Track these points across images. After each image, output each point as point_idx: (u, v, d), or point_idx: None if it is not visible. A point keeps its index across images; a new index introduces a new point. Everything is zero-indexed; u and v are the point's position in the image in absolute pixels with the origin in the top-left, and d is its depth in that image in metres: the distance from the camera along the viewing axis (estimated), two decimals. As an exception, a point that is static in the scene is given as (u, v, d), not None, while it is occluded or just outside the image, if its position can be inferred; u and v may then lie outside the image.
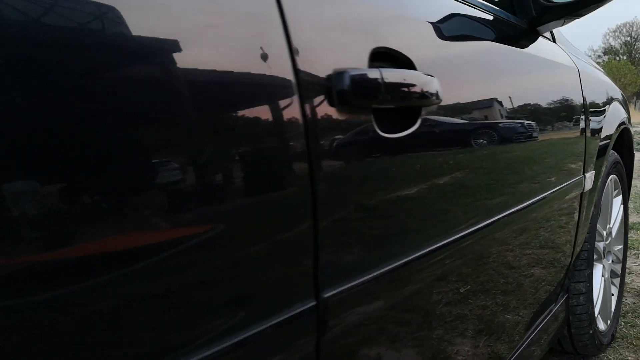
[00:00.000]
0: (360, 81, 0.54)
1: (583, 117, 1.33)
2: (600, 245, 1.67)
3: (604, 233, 1.71)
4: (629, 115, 1.87)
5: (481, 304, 0.88)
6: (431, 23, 0.76)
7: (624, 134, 1.76)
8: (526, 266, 1.09)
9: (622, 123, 1.71)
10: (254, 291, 0.45)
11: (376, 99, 0.57)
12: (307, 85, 0.49)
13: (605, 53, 59.54)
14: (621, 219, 1.87)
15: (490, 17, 1.01)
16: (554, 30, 1.33)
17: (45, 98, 0.31)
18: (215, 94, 0.42)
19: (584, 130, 1.34)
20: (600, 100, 1.54)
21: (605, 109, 1.56)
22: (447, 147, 0.74)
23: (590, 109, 1.39)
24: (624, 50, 59.40)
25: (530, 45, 1.14)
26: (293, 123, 0.48)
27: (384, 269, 0.58)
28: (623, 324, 1.89)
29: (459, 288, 0.80)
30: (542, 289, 1.21)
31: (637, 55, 58.09)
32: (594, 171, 1.41)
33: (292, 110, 0.48)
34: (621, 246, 1.90)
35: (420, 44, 0.72)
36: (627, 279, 2.23)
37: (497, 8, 1.09)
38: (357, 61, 0.56)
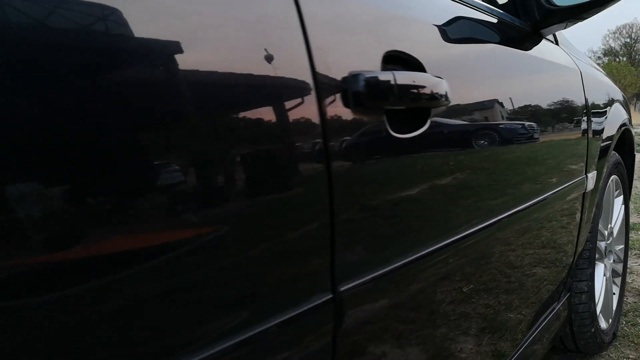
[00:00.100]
0: (375, 83, 0.56)
1: (585, 118, 1.35)
2: (601, 244, 1.69)
3: (606, 232, 1.73)
4: (630, 116, 1.89)
5: (485, 302, 0.90)
6: (439, 26, 0.78)
7: (625, 135, 1.78)
8: (536, 264, 1.11)
9: (624, 124, 1.73)
10: (276, 285, 0.47)
11: (389, 100, 0.59)
12: (325, 88, 0.51)
13: (605, 54, 59.58)
14: (622, 219, 1.89)
15: (495, 20, 1.03)
16: (557, 33, 1.35)
17: (48, 99, 0.32)
18: (239, 95, 0.44)
19: (586, 131, 1.36)
20: (602, 101, 1.56)
21: (606, 110, 1.58)
22: (455, 148, 0.76)
23: (592, 110, 1.41)
24: (624, 52, 59.44)
25: (534, 48, 1.16)
26: (311, 123, 0.50)
27: (396, 264, 0.61)
28: (624, 322, 1.91)
29: (465, 285, 0.82)
30: (544, 288, 1.23)
31: (637, 57, 58.12)
32: (595, 171, 1.44)
33: (310, 111, 0.50)
34: (622, 246, 1.92)
35: (429, 46, 0.75)
36: (628, 279, 2.25)
37: (502, 11, 1.11)
38: (371, 64, 0.58)
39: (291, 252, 0.49)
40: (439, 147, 0.71)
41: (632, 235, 2.92)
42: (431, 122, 0.66)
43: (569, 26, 1.19)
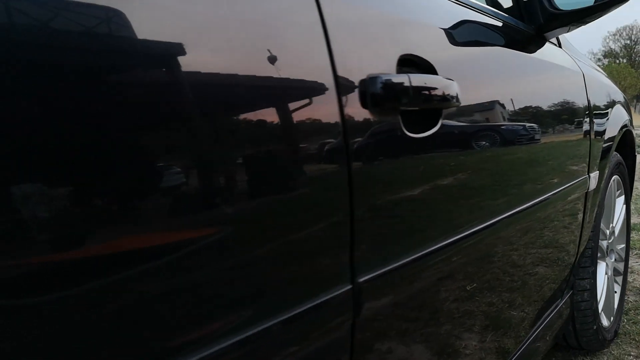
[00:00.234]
0: (391, 85, 0.59)
1: (588, 119, 1.38)
2: (603, 243, 1.72)
3: (607, 232, 1.76)
4: (631, 117, 1.93)
5: (490, 299, 0.93)
6: (448, 30, 0.81)
7: (626, 136, 1.82)
8: (547, 259, 1.14)
9: (625, 125, 1.77)
10: (299, 276, 0.50)
11: (404, 102, 0.62)
12: (345, 89, 0.54)
13: (605, 56, 59.64)
14: (624, 219, 1.92)
15: (500, 24, 1.06)
16: (560, 36, 1.38)
17: (49, 100, 0.32)
18: (269, 96, 0.47)
19: (588, 132, 1.39)
20: (603, 103, 1.60)
21: (608, 112, 1.61)
22: (464, 147, 0.79)
23: (595, 112, 1.44)
24: (624, 54, 59.50)
25: (538, 51, 1.19)
26: (333, 123, 0.53)
27: (410, 258, 0.64)
28: (626, 320, 1.94)
29: (475, 280, 0.85)
30: (547, 287, 1.26)
31: (637, 59, 58.17)
32: (598, 171, 1.47)
33: (331, 111, 0.53)
34: (623, 245, 1.95)
35: (439, 49, 0.78)
36: (629, 278, 2.28)
37: (507, 15, 1.14)
38: (386, 67, 0.61)
39: (313, 245, 0.51)
40: (449, 147, 0.74)
41: (633, 235, 2.95)
42: (442, 122, 0.69)
43: (572, 30, 1.22)
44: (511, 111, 0.96)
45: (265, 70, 0.47)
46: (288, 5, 0.53)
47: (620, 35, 59.69)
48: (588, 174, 1.39)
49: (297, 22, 0.52)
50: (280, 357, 0.48)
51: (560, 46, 1.40)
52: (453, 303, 0.79)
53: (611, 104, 1.67)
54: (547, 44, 1.26)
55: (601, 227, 1.64)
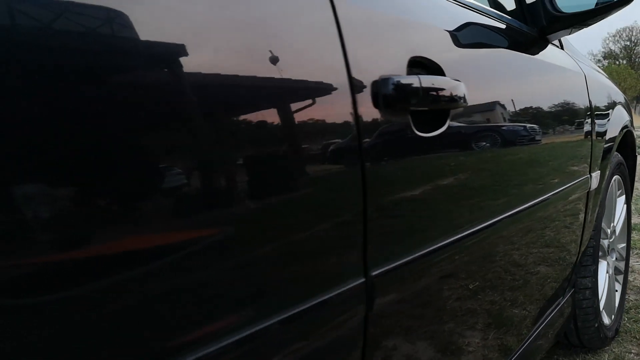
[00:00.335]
0: (403, 86, 0.61)
1: (589, 120, 1.41)
2: (604, 242, 1.74)
3: (608, 231, 1.78)
4: (632, 118, 1.95)
5: (495, 297, 0.95)
6: (454, 32, 0.83)
7: (627, 137, 1.84)
8: (547, 258, 1.16)
9: (626, 126, 1.79)
10: (315, 269, 0.52)
11: (414, 102, 0.64)
12: (359, 91, 0.57)
13: (605, 57, 59.70)
14: (624, 218, 1.95)
15: (504, 26, 1.09)
16: (562, 38, 1.41)
17: (50, 101, 0.32)
18: (288, 97, 0.50)
19: (590, 133, 1.41)
20: (605, 104, 1.62)
21: (609, 113, 1.64)
22: (471, 146, 0.81)
23: (596, 113, 1.47)
24: (624, 55, 59.56)
25: (541, 52, 1.21)
26: (347, 123, 0.55)
27: (420, 252, 0.66)
28: (627, 319, 1.96)
29: (484, 276, 0.87)
30: (548, 286, 1.28)
31: (636, 60, 58.23)
32: (599, 171, 1.49)
33: (346, 111, 0.55)
34: (624, 244, 1.97)
35: (446, 51, 0.80)
36: (630, 277, 2.30)
37: (510, 17, 1.17)
38: (397, 68, 0.64)
39: (328, 240, 0.54)
40: (457, 146, 0.77)
41: (634, 235, 2.97)
42: (450, 122, 0.72)
43: (574, 32, 1.25)
44: (516, 112, 0.98)
45: (286, 71, 0.49)
46: (305, 9, 0.55)
47: (620, 37, 59.79)
48: (590, 173, 1.41)
49: (314, 25, 0.54)
50: (300, 346, 0.50)
51: (562, 48, 1.43)
52: (457, 301, 0.81)
53: (612, 105, 1.69)
54: (550, 46, 1.28)
55: (602, 226, 1.66)
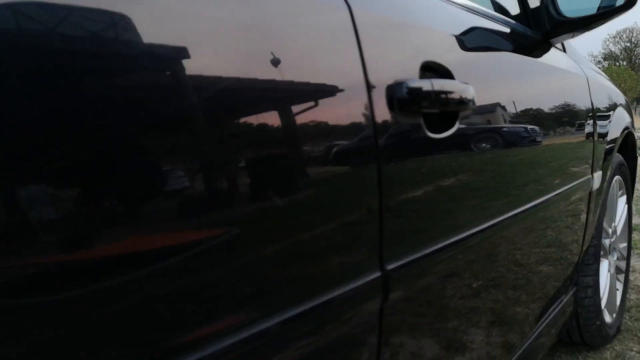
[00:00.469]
0: (416, 90, 0.64)
1: (591, 121, 1.44)
2: (606, 242, 1.77)
3: (610, 230, 1.81)
4: (632, 119, 1.98)
5: (500, 295, 0.98)
6: (463, 37, 0.87)
7: (628, 138, 1.87)
8: (566, 243, 1.19)
9: (626, 127, 1.82)
10: (333, 263, 0.55)
11: (427, 105, 0.67)
12: (375, 94, 0.60)
13: (605, 59, 59.75)
14: (625, 218, 1.98)
15: (509, 30, 1.12)
16: (565, 42, 1.44)
17: (55, 103, 0.32)
18: (311, 100, 0.53)
19: (592, 134, 1.45)
20: (606, 106, 1.65)
21: (610, 114, 1.67)
22: (479, 147, 0.84)
23: (598, 114, 1.50)
24: (624, 56, 59.60)
25: (544, 55, 1.25)
26: (365, 124, 0.59)
27: (432, 248, 0.69)
28: (628, 317, 1.99)
29: (494, 271, 0.90)
30: (550, 285, 1.31)
31: (637, 61, 58.27)
32: (601, 172, 1.52)
33: (364, 113, 0.59)
34: (625, 244, 2.00)
35: (455, 55, 0.83)
36: (631, 277, 2.33)
37: (515, 22, 1.20)
38: (410, 73, 0.67)
39: (347, 235, 0.57)
40: (465, 146, 0.80)
41: (634, 235, 3.00)
42: (459, 123, 0.75)
43: (577, 36, 1.28)
44: (521, 113, 1.02)
45: (308, 75, 0.53)
46: (325, 14, 0.58)
47: (620, 38, 59.87)
48: (592, 174, 1.44)
49: (334, 29, 0.57)
50: (324, 332, 0.53)
51: (565, 51, 1.46)
52: (462, 298, 0.83)
53: (613, 107, 1.72)
54: (553, 49, 1.32)
55: (604, 226, 1.69)
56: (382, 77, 0.62)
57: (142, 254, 0.37)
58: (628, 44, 59.51)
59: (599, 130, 1.50)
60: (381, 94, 0.61)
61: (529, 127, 1.06)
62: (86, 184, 0.34)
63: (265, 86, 0.48)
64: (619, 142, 1.72)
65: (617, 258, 1.92)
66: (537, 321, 1.25)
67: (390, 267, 0.62)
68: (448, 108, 0.74)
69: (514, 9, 1.28)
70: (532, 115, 1.08)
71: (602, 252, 1.69)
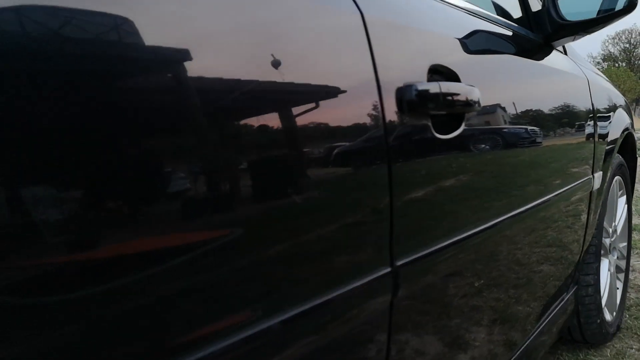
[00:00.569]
0: (424, 92, 0.67)
1: (592, 123, 1.47)
2: (606, 241, 1.79)
3: (610, 230, 1.83)
4: (632, 120, 2.01)
5: (512, 292, 1.00)
6: (467, 40, 0.89)
7: (627, 139, 1.90)
8: (569, 242, 1.22)
9: (626, 128, 1.84)
10: (346, 260, 0.58)
11: (434, 106, 0.70)
12: (386, 96, 0.62)
13: (604, 60, 59.81)
14: (625, 218, 2.00)
15: (511, 33, 1.14)
16: (566, 44, 1.46)
17: (57, 104, 0.33)
18: (324, 101, 0.55)
19: (592, 135, 1.47)
20: (606, 107, 1.67)
21: (610, 115, 1.69)
22: (484, 147, 0.87)
23: (598, 115, 1.52)
24: (623, 57, 59.67)
25: (546, 58, 1.27)
26: (376, 125, 0.61)
27: (441, 245, 0.71)
28: (628, 316, 2.01)
29: (499, 268, 0.93)
30: (551, 284, 1.33)
31: (636, 62, 58.35)
32: (601, 172, 1.55)
33: (376, 114, 0.61)
34: (625, 243, 2.02)
35: (461, 58, 0.86)
36: (631, 276, 2.35)
37: (517, 25, 1.23)
38: (419, 76, 0.69)
39: (358, 232, 0.59)
40: (471, 146, 0.82)
41: (634, 235, 3.02)
42: (465, 124, 0.77)
43: (577, 39, 1.31)
44: (524, 114, 1.04)
45: (322, 78, 0.55)
46: (338, 19, 0.60)
47: (619, 39, 59.95)
48: (592, 174, 1.47)
49: (346, 33, 0.60)
50: (335, 325, 0.56)
51: (565, 53, 1.48)
52: (465, 296, 0.85)
53: (613, 108, 1.75)
54: (554, 52, 1.34)
55: (604, 225, 1.72)
56: (392, 80, 0.64)
57: (144, 254, 0.37)
58: (627, 46, 59.59)
59: (599, 131, 1.52)
60: (391, 96, 0.63)
61: (533, 128, 1.08)
62: (90, 185, 0.34)
63: (282, 88, 0.50)
64: (619, 142, 1.74)
65: (617, 257, 1.94)
66: (539, 319, 1.27)
67: (400, 263, 0.64)
68: (454, 110, 0.76)
69: (516, 13, 1.31)
70: (535, 117, 1.10)
71: (602, 252, 1.72)
